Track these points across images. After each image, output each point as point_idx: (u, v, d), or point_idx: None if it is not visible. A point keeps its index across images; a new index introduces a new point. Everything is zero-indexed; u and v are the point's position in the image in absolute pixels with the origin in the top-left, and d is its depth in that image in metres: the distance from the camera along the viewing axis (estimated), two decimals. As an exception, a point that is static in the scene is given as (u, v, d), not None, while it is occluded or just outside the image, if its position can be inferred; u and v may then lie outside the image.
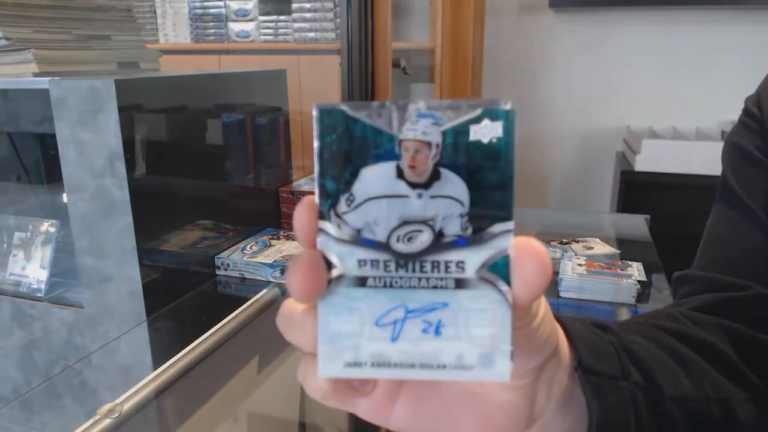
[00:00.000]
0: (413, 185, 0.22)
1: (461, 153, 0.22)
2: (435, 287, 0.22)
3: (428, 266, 0.22)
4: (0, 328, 1.02)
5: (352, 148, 0.22)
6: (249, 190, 1.18)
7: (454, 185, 0.22)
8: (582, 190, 2.48)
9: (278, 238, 1.14)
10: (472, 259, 0.22)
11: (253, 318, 0.91)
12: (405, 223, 0.22)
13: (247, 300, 0.95)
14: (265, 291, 0.99)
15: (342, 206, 0.22)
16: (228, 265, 1.05)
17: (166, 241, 0.95)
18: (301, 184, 1.29)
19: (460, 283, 0.22)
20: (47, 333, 0.99)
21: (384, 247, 0.22)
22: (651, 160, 1.88)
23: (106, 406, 0.67)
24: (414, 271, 0.22)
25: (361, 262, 0.22)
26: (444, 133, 0.22)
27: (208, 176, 1.07)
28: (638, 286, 0.88)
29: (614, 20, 2.27)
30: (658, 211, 1.40)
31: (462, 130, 0.22)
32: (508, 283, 0.22)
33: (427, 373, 0.23)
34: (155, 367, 0.76)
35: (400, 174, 0.22)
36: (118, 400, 0.68)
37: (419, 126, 0.22)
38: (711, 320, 0.41)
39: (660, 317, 0.41)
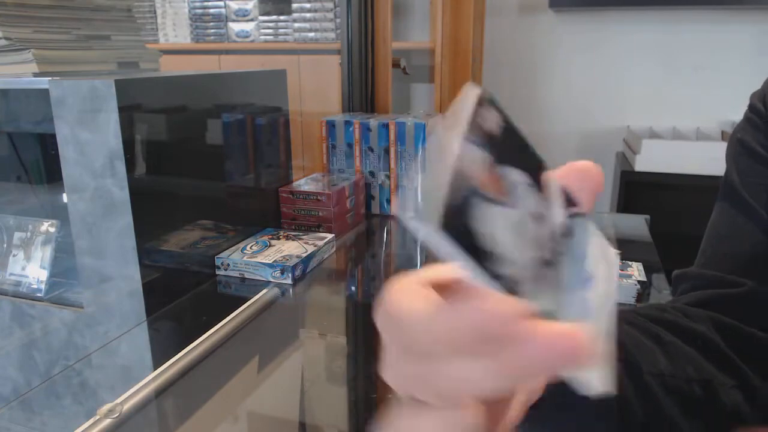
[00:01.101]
0: None
1: None
2: None
3: None
4: (0, 328, 1.02)
5: None
6: (249, 190, 1.18)
7: None
8: (582, 190, 2.48)
9: (278, 238, 1.14)
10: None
11: (253, 318, 0.91)
12: None
13: (247, 300, 0.95)
14: (265, 291, 0.99)
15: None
16: (228, 265, 1.05)
17: (166, 241, 0.95)
18: (300, 184, 1.29)
19: None
20: (47, 333, 0.99)
21: None
22: (651, 160, 1.88)
23: (106, 406, 0.67)
24: None
25: None
26: None
27: (208, 176, 1.07)
28: (638, 286, 0.88)
29: (614, 20, 2.27)
30: (658, 211, 1.40)
31: None
32: None
33: None
34: (155, 367, 0.76)
35: None
36: (118, 400, 0.68)
37: None
38: (702, 313, 0.42)
39: (647, 308, 0.42)
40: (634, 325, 0.38)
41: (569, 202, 0.21)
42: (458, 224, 0.17)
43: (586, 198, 0.22)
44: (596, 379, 0.19)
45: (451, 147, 0.17)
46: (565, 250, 0.21)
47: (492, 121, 0.19)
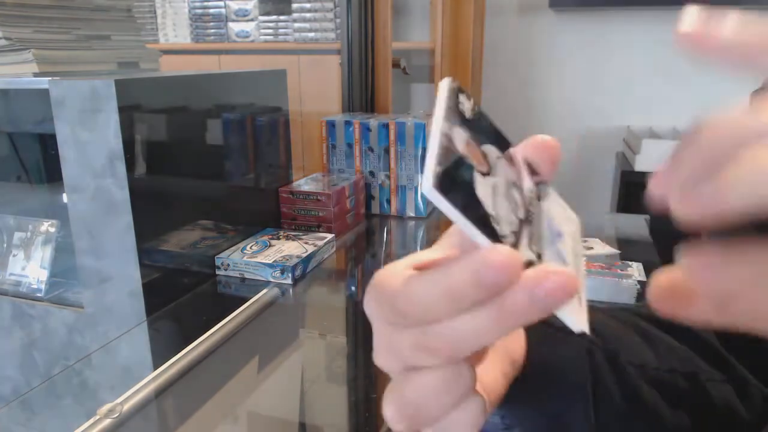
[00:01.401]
0: None
1: None
2: None
3: None
4: (0, 328, 1.02)
5: None
6: (249, 190, 1.18)
7: None
8: (582, 190, 2.48)
9: (278, 238, 1.14)
10: None
11: (253, 318, 0.91)
12: None
13: (247, 300, 0.95)
14: (265, 291, 0.99)
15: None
16: (228, 265, 1.05)
17: (166, 241, 0.95)
18: (300, 184, 1.29)
19: None
20: (47, 333, 0.99)
21: None
22: (651, 160, 1.88)
23: (106, 406, 0.67)
24: None
25: None
26: None
27: (208, 176, 1.07)
28: (638, 286, 0.88)
29: (614, 20, 2.27)
30: (658, 211, 1.39)
31: None
32: None
33: None
34: (155, 367, 0.76)
35: None
36: (118, 400, 0.68)
37: None
38: None
39: (643, 307, 0.42)
40: (615, 318, 0.38)
41: (533, 171, 0.25)
42: (452, 187, 0.20)
43: (546, 168, 0.25)
44: (577, 320, 0.22)
45: (437, 126, 0.21)
46: (537, 211, 0.24)
47: (467, 107, 0.23)
